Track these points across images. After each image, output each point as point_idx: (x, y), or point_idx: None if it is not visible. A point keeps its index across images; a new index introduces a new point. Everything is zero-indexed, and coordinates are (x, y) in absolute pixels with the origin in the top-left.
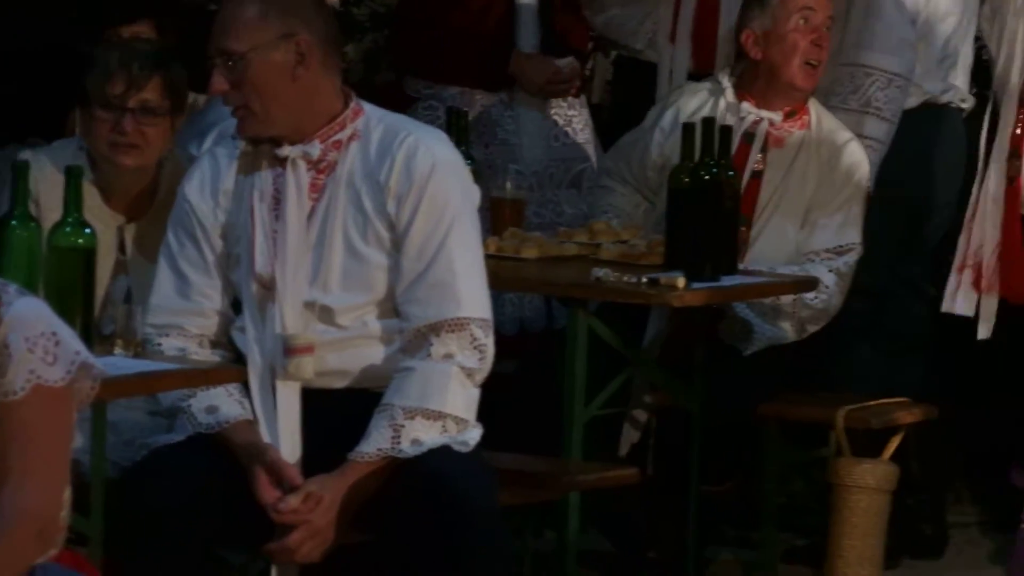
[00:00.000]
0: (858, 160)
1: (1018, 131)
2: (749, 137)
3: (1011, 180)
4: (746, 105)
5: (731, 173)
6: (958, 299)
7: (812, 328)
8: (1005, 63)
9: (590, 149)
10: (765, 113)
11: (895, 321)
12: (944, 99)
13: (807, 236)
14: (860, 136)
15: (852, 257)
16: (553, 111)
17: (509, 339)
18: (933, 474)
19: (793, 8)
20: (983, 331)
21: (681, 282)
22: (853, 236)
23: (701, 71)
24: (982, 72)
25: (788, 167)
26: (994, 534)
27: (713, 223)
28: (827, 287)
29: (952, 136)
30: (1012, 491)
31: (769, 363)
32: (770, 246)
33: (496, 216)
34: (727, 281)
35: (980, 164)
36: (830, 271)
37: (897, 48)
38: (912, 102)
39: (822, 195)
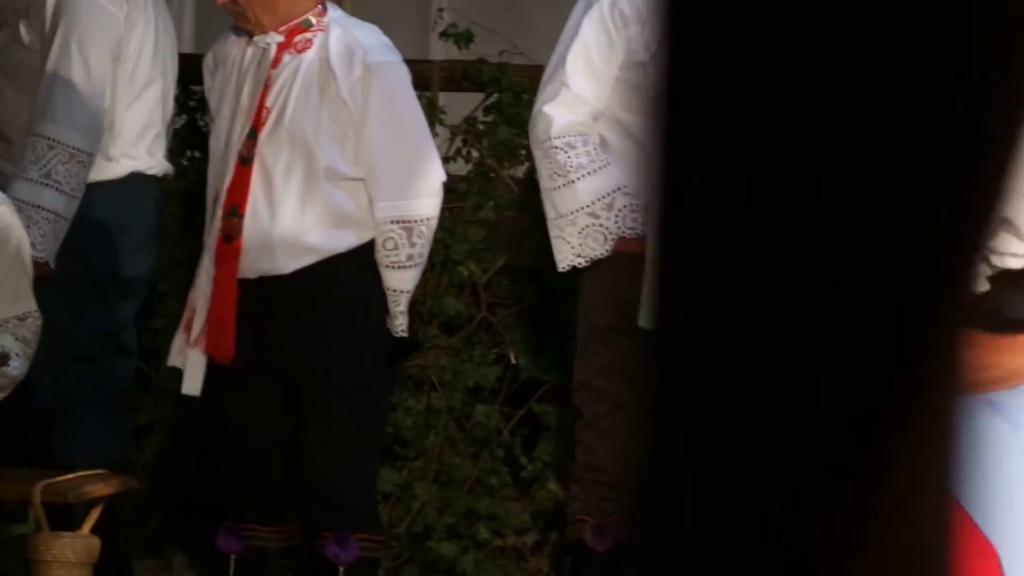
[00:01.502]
0: (7, 224)
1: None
2: None
3: (229, 239)
4: None
5: None
6: (183, 355)
7: (1, 396)
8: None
9: None
10: None
11: (109, 386)
12: (150, 172)
13: None
14: (38, 207)
15: (34, 323)
16: None
17: None
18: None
19: None
20: (188, 387)
21: None
22: (29, 304)
23: None
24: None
25: None
26: None
27: None
28: (18, 355)
29: (149, 201)
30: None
31: None
32: None
33: None
34: None
35: (208, 223)
36: (16, 339)
37: (84, 124)
38: (117, 172)
39: None
